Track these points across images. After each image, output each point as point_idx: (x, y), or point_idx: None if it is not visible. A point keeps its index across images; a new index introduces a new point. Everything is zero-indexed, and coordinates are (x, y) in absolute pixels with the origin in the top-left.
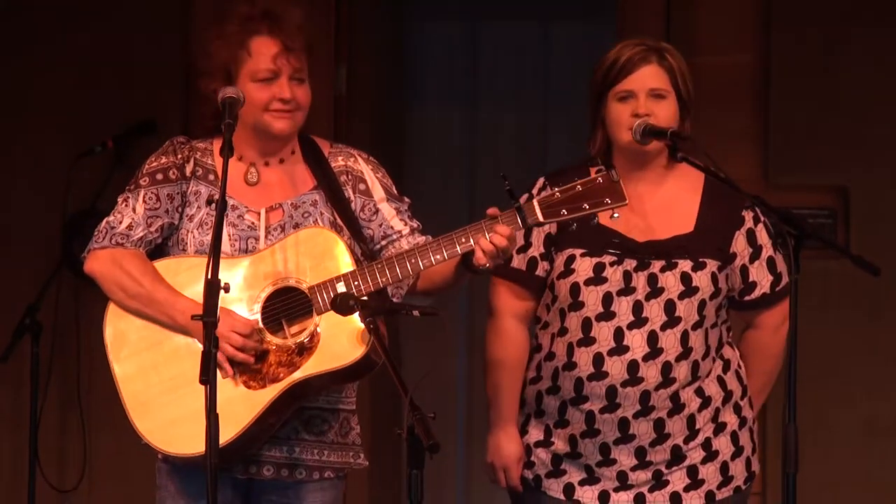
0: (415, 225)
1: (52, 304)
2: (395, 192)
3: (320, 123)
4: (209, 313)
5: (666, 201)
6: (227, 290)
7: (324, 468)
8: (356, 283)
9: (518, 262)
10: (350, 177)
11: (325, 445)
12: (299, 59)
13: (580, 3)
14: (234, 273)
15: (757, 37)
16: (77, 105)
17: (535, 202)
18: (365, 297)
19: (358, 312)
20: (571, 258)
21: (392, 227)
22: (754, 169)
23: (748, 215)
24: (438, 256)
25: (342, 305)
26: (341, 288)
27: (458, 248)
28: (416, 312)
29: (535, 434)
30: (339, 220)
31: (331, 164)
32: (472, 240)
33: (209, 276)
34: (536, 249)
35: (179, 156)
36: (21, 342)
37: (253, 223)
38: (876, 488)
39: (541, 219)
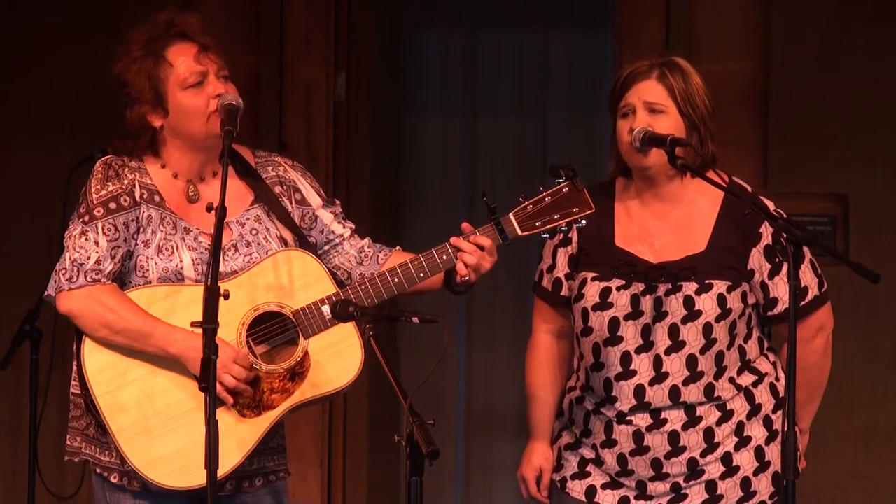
0: (352, 226)
1: (52, 311)
2: (325, 195)
3: (319, 129)
4: (209, 319)
5: (683, 220)
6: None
7: (277, 471)
8: None
9: (546, 281)
10: (285, 187)
11: (271, 451)
12: (219, 55)
13: (579, 11)
14: None
15: (756, 45)
16: (77, 111)
17: (511, 216)
18: (365, 303)
19: (357, 319)
20: (583, 282)
21: (333, 232)
22: (754, 176)
23: (766, 231)
24: (422, 274)
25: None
26: (326, 311)
27: (441, 265)
28: (415, 319)
29: (567, 438)
30: (284, 234)
31: (261, 175)
32: (453, 254)
33: (209, 283)
34: (561, 270)
35: (126, 181)
36: (21, 349)
37: (210, 245)
38: (875, 495)
39: (519, 232)
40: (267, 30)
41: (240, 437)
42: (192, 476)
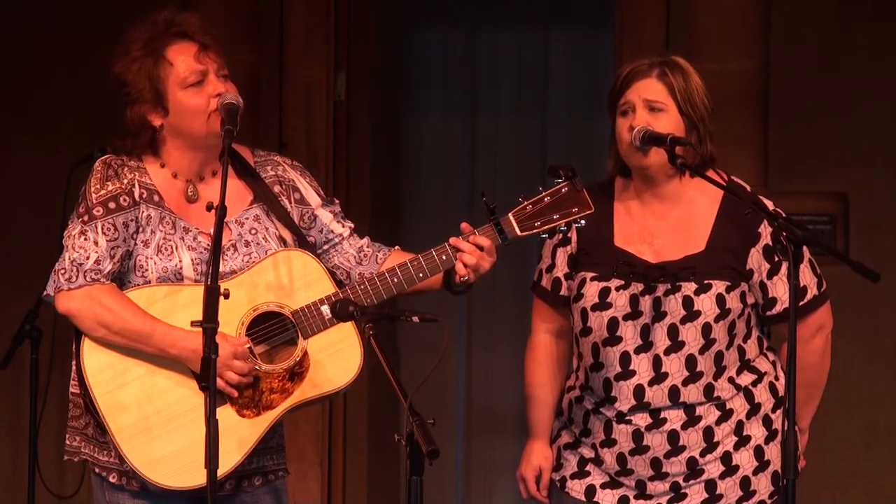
0: (351, 226)
1: (52, 311)
2: (324, 194)
3: (319, 129)
4: (209, 319)
5: (682, 219)
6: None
7: (277, 470)
8: None
9: (545, 281)
10: (284, 187)
11: (271, 450)
12: (219, 55)
13: (579, 11)
14: None
15: (757, 44)
16: (77, 111)
17: (510, 216)
18: (364, 303)
19: (357, 319)
20: (583, 282)
21: (333, 232)
22: (754, 176)
23: (765, 231)
24: (421, 274)
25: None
26: (326, 311)
27: (440, 265)
28: (415, 318)
29: (566, 437)
30: (283, 234)
31: (260, 175)
32: (452, 254)
33: (209, 282)
34: (561, 270)
35: (125, 180)
36: (21, 348)
37: (209, 245)
38: (875, 495)
39: (518, 232)
40: (267, 30)
41: (239, 436)
42: (192, 476)
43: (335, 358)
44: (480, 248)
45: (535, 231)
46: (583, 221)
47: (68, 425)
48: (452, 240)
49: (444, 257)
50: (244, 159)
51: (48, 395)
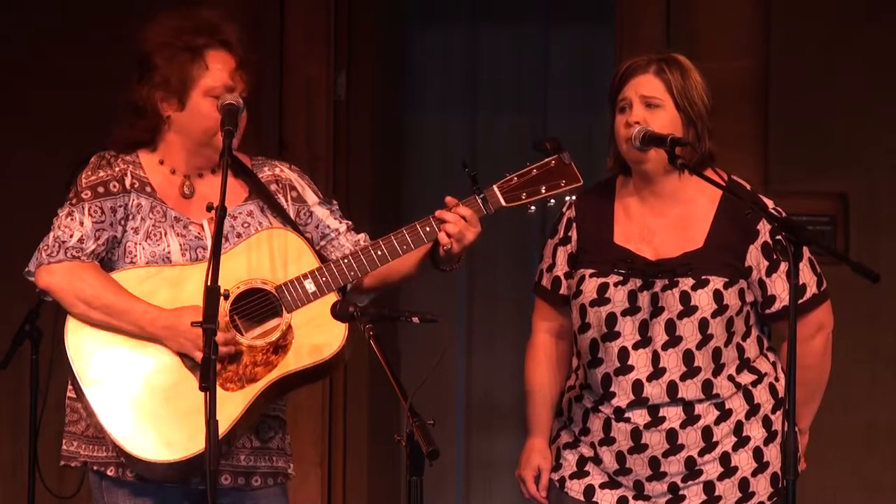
0: (349, 223)
1: (52, 311)
2: (322, 195)
3: (319, 129)
4: (209, 320)
5: (681, 217)
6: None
7: (277, 474)
8: (324, 279)
9: (546, 280)
10: (280, 185)
11: (272, 452)
12: (251, 76)
13: (580, 9)
14: (201, 278)
15: (757, 43)
16: (77, 111)
17: (495, 187)
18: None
19: (357, 319)
20: (582, 279)
21: (329, 227)
22: (754, 175)
23: (764, 228)
24: (405, 247)
25: (342, 312)
26: (309, 285)
27: (424, 237)
28: (415, 319)
29: (565, 437)
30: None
31: (258, 175)
32: (436, 226)
33: (209, 283)
34: (561, 269)
35: (117, 169)
36: (21, 349)
37: (199, 233)
38: (876, 494)
39: (503, 203)
40: (267, 30)
41: (224, 410)
42: (175, 449)
43: (319, 331)
44: (464, 219)
45: (521, 202)
46: (573, 196)
47: (65, 430)
48: (437, 212)
49: (427, 229)
50: (241, 161)
51: (48, 396)
